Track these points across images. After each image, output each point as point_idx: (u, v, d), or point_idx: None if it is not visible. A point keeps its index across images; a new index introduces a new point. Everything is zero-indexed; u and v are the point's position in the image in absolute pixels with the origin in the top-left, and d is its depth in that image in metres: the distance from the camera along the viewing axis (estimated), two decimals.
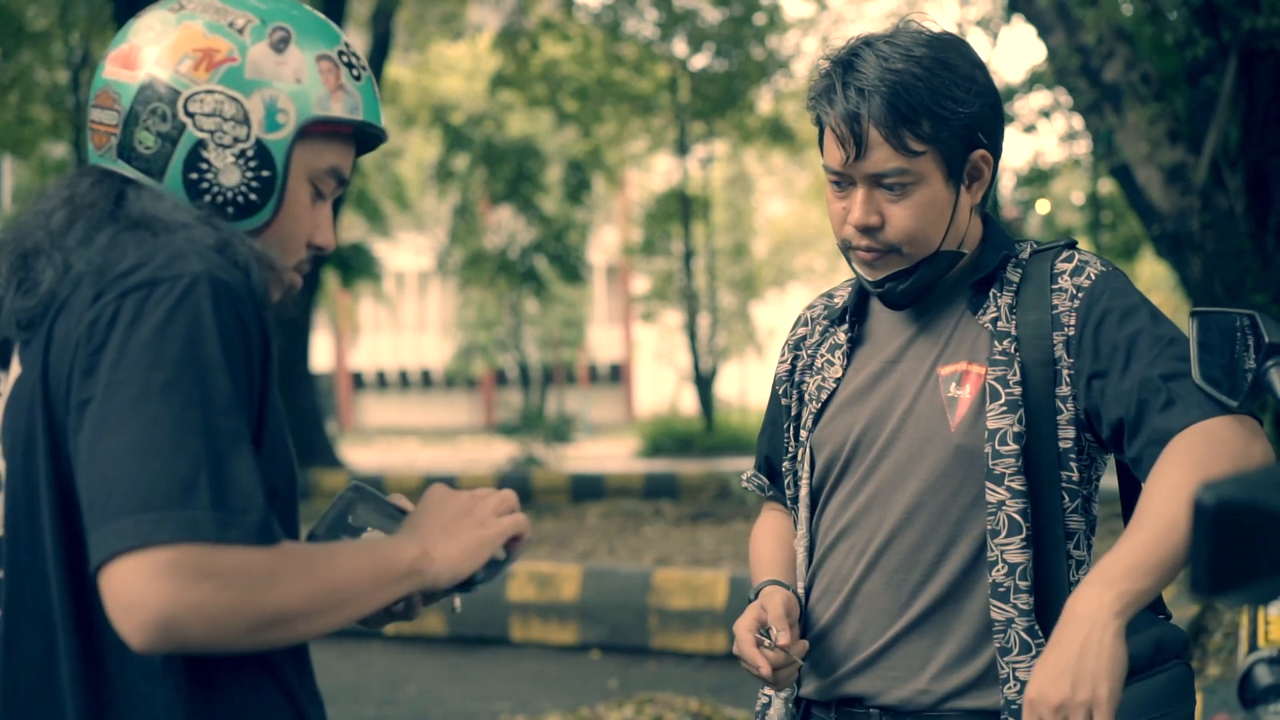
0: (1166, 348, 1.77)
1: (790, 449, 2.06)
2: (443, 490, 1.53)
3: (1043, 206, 20.00)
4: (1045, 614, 1.80)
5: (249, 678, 1.40)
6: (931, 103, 1.80)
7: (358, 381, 41.67)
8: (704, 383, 24.12)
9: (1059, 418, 1.83)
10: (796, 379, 2.07)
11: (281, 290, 1.53)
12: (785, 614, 1.88)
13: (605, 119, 21.06)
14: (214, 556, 1.22)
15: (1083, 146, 16.43)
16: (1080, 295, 1.85)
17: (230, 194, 1.48)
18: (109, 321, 1.31)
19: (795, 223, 34.74)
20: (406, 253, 33.32)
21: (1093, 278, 1.86)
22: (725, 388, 33.25)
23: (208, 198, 1.47)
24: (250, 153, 1.47)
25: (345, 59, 1.54)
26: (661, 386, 37.42)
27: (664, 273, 25.69)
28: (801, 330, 2.12)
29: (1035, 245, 1.95)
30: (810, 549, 2.00)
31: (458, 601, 1.58)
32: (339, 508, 1.52)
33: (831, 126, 1.85)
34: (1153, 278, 25.64)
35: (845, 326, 2.02)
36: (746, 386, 36.16)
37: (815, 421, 1.99)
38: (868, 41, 1.86)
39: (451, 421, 38.88)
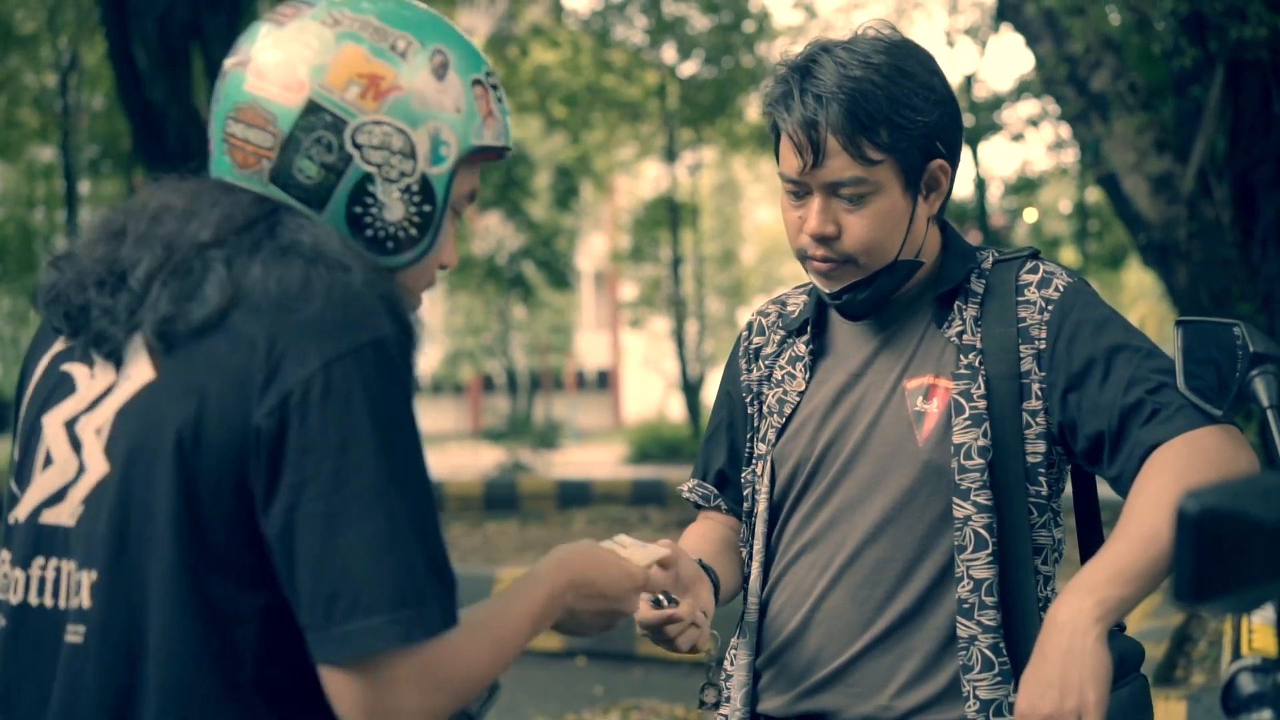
0: (1145, 360, 1.75)
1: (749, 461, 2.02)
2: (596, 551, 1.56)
3: (1030, 215, 20.06)
4: (1012, 629, 1.78)
5: (325, 711, 1.37)
6: (890, 111, 1.77)
7: None
8: (691, 389, 24.10)
9: (1027, 432, 1.80)
10: (755, 390, 2.03)
11: None
12: (678, 573, 1.79)
13: (594, 125, 21.05)
14: (445, 658, 1.28)
15: (1070, 155, 16.49)
16: (1050, 308, 1.82)
17: (392, 229, 1.41)
18: (321, 396, 1.26)
19: (783, 230, 34.73)
20: None
21: (1061, 289, 1.84)
22: (712, 394, 33.18)
23: (369, 232, 1.41)
24: (415, 187, 1.41)
25: (491, 81, 1.48)
26: (649, 393, 37.42)
27: (652, 279, 25.67)
28: (758, 340, 2.07)
29: (997, 254, 1.92)
30: (767, 564, 1.96)
31: None
32: None
33: (789, 134, 1.81)
34: (1139, 286, 25.71)
35: (806, 338, 1.98)
36: None
37: (778, 436, 1.95)
38: (826, 48, 1.82)
39: (439, 427, 38.82)
